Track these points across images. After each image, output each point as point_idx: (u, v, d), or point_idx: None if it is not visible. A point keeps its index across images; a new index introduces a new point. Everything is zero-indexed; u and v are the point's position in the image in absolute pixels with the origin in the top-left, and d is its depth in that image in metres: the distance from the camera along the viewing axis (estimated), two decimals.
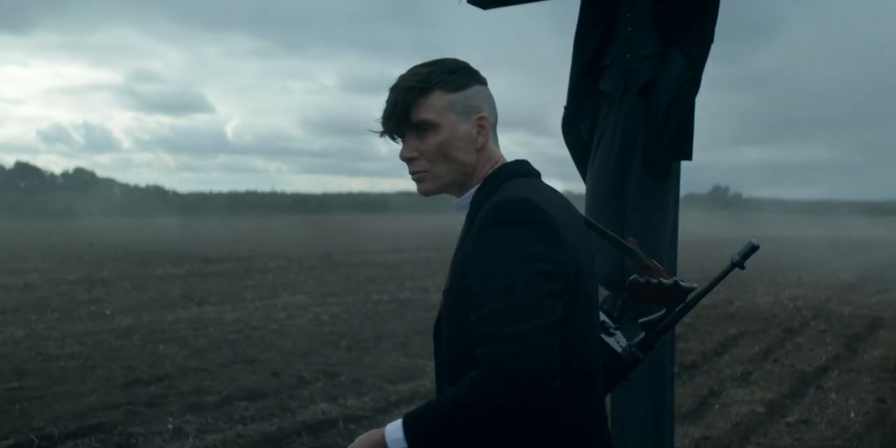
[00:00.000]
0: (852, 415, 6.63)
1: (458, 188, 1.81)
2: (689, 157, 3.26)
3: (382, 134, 1.80)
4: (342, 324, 11.19)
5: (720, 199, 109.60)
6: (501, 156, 1.83)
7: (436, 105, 1.74)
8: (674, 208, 3.36)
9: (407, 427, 1.58)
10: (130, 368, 7.96)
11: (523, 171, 1.81)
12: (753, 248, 1.94)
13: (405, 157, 1.79)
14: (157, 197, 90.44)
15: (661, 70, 3.18)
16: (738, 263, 1.95)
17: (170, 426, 6.01)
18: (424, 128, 1.75)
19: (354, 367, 8.21)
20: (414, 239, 36.59)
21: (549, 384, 1.51)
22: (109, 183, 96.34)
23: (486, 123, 1.79)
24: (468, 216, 1.78)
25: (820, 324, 11.61)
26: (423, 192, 1.82)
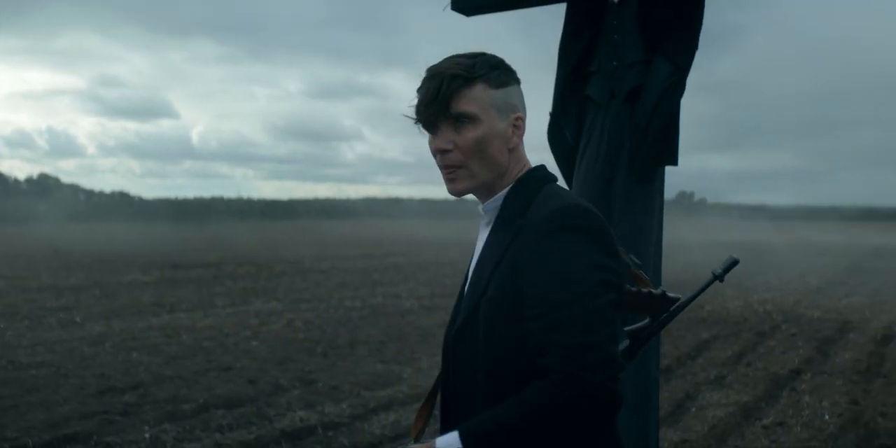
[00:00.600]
0: (826, 417, 6.72)
1: (488, 189, 1.75)
2: (674, 162, 3.28)
3: (417, 121, 1.72)
4: (316, 330, 11.13)
5: (685, 204, 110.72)
6: (528, 159, 1.80)
7: (478, 98, 1.67)
8: (659, 213, 3.38)
9: (466, 441, 1.52)
10: (104, 376, 7.85)
11: (551, 176, 1.79)
12: (734, 262, 2.00)
13: (439, 149, 1.70)
14: (122, 203, 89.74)
15: (646, 77, 3.20)
16: (720, 276, 2.00)
17: (146, 435, 5.94)
18: (463, 120, 1.67)
19: (331, 374, 8.17)
20: (382, 245, 36.55)
21: (618, 392, 1.52)
22: (74, 189, 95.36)
23: (521, 124, 1.75)
24: (502, 219, 1.72)
25: (790, 327, 11.76)
26: (456, 192, 1.74)
